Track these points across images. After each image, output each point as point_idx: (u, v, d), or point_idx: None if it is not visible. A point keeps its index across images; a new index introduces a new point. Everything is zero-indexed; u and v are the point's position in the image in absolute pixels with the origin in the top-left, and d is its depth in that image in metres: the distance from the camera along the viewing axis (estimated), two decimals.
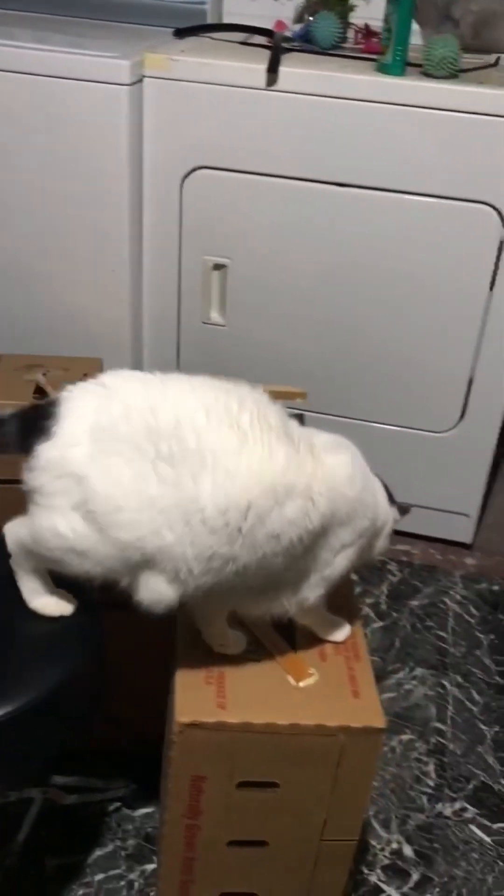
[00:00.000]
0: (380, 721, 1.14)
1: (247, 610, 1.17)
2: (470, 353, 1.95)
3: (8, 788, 1.30)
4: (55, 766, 1.45)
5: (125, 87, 1.79)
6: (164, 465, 0.99)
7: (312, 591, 1.14)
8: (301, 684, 1.17)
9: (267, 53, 1.78)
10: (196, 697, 1.13)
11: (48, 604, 1.15)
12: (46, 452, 1.02)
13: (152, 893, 1.38)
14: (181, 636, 1.23)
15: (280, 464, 1.01)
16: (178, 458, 0.99)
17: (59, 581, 1.15)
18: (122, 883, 1.41)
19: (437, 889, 1.44)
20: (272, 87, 1.78)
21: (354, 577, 2.08)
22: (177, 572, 1.02)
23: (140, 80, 1.82)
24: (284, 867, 1.25)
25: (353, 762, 1.15)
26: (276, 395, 1.11)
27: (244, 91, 1.79)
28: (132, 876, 1.42)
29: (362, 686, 1.19)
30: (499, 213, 1.79)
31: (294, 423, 1.09)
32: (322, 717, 1.13)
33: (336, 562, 1.13)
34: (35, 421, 1.04)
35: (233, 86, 1.80)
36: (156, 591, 1.04)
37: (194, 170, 1.89)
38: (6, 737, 1.02)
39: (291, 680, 1.17)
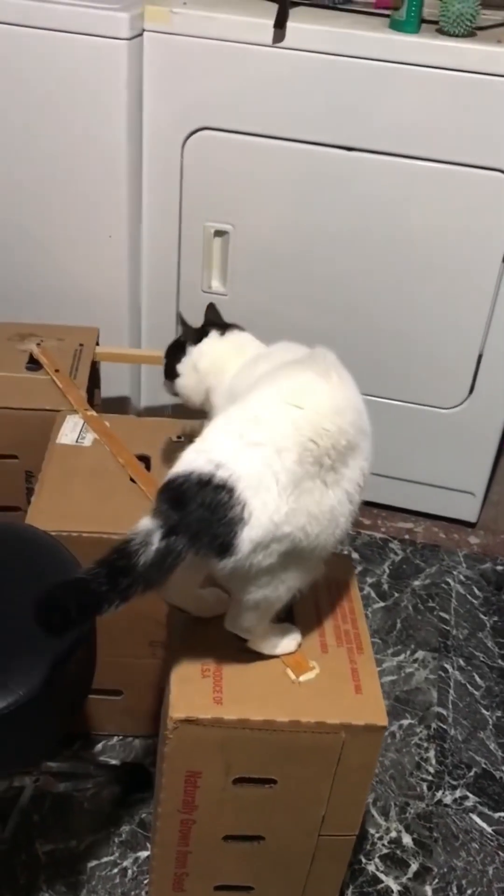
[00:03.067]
0: (382, 718, 1.10)
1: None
2: (480, 327, 1.88)
3: None
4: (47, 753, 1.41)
5: (124, 41, 1.69)
6: (330, 473, 1.03)
7: None
8: (301, 678, 1.13)
9: (274, 7, 1.68)
10: (192, 691, 1.09)
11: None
12: (250, 535, 0.96)
13: (146, 881, 1.36)
14: (175, 627, 1.18)
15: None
16: (337, 459, 1.03)
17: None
18: (116, 870, 1.38)
19: (437, 880, 1.41)
20: (279, 44, 1.69)
21: (355, 555, 2.04)
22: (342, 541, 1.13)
23: (140, 35, 1.73)
24: (282, 862, 1.22)
25: (354, 759, 1.11)
26: None
27: (250, 48, 1.70)
28: (125, 863, 1.39)
29: (364, 680, 1.14)
30: None
31: None
32: (323, 713, 1.08)
33: None
34: (213, 515, 0.95)
35: (238, 42, 1.70)
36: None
37: (196, 131, 1.80)
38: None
39: (291, 674, 1.13)
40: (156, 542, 0.94)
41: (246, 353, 1.32)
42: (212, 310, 1.44)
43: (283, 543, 1.00)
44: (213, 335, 1.37)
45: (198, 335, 1.38)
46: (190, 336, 1.38)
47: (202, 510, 0.95)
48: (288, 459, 0.99)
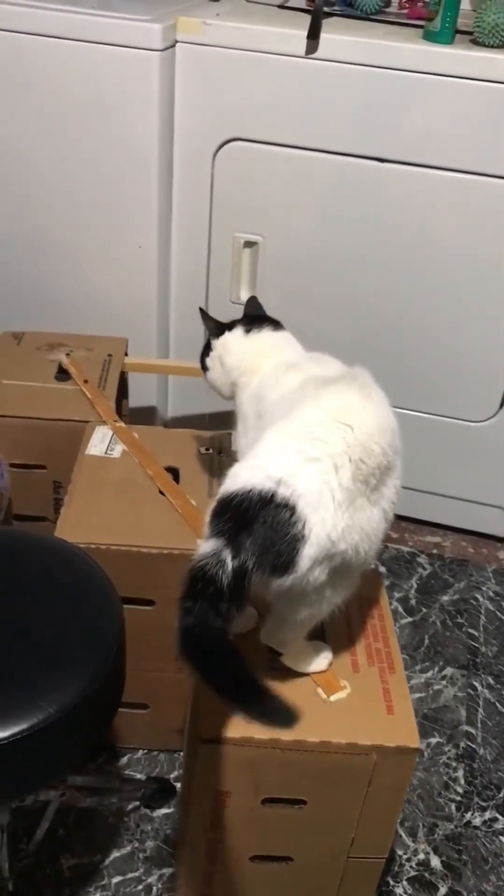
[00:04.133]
0: (415, 740, 1.08)
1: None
2: None
3: (25, 796, 1.26)
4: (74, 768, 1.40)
5: (157, 52, 1.69)
6: (374, 493, 1.02)
7: None
8: (332, 698, 1.11)
9: (307, 18, 1.68)
10: (221, 710, 1.07)
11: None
12: (309, 553, 0.95)
13: None
14: None
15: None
16: (380, 479, 1.03)
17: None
18: (140, 887, 1.36)
19: None
20: (312, 55, 1.68)
21: (382, 569, 2.02)
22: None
23: (172, 46, 1.73)
24: (309, 884, 1.20)
25: (385, 780, 1.09)
26: None
27: (282, 59, 1.69)
28: (150, 880, 1.37)
29: (397, 701, 1.13)
30: None
31: None
32: (354, 734, 1.07)
33: None
34: (276, 534, 0.93)
35: (270, 53, 1.70)
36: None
37: (227, 142, 1.80)
38: (26, 752, 0.96)
39: (322, 693, 1.11)
40: (229, 561, 0.90)
41: (278, 355, 1.28)
42: (251, 303, 1.41)
43: (334, 560, 0.99)
44: (238, 331, 1.33)
45: (219, 329, 1.35)
46: (211, 329, 1.35)
47: (265, 528, 0.92)
48: (344, 476, 0.97)
